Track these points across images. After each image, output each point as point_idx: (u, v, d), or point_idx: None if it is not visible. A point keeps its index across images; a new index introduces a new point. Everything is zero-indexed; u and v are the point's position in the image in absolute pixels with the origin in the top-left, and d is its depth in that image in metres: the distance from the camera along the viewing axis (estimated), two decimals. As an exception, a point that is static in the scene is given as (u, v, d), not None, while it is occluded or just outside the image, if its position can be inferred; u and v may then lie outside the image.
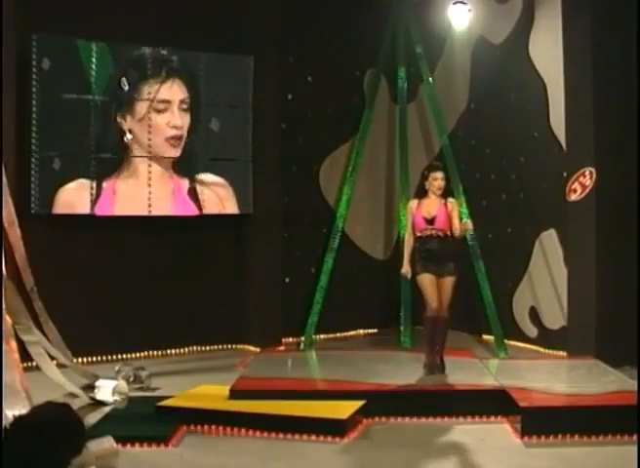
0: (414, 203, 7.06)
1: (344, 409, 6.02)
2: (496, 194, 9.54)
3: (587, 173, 8.03)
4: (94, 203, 8.36)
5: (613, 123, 7.90)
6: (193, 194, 8.90)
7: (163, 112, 8.69)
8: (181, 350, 8.95)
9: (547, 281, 8.81)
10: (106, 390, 6.69)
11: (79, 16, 8.19)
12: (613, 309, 7.84)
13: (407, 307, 9.19)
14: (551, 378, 7.14)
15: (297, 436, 5.78)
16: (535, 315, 9.04)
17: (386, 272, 10.20)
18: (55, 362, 7.09)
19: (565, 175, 8.29)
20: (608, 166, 7.94)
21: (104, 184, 8.43)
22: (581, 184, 8.08)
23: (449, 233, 6.86)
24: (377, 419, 6.19)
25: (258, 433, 5.84)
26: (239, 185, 9.13)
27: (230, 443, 5.74)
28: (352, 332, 9.92)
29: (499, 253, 9.31)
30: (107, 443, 5.12)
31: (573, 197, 8.17)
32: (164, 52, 8.68)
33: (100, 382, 6.82)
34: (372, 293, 10.08)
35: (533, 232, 9.00)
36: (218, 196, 9.04)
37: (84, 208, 8.34)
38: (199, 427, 5.97)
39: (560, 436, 5.66)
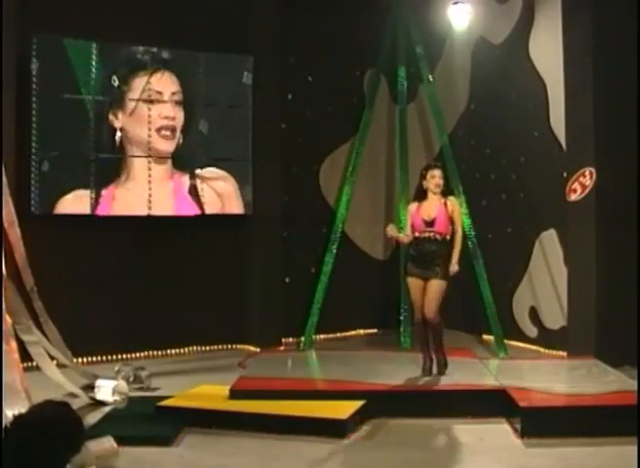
0: (413, 206, 6.96)
1: (344, 409, 6.02)
2: (496, 194, 9.54)
3: (587, 173, 8.03)
4: (93, 208, 8.37)
5: (613, 123, 7.90)
6: (194, 192, 8.90)
7: (154, 103, 8.65)
8: (181, 350, 8.95)
9: (547, 281, 8.81)
10: (106, 390, 6.69)
11: (79, 16, 8.18)
12: (613, 309, 7.84)
13: (407, 307, 9.18)
14: (551, 378, 7.13)
15: (297, 436, 5.77)
16: (535, 315, 9.04)
17: (386, 272, 10.20)
18: (55, 362, 7.09)
19: (565, 175, 8.29)
20: (608, 166, 7.94)
21: (104, 192, 8.42)
22: (581, 184, 8.08)
23: (447, 237, 6.75)
24: (377, 419, 6.18)
25: (258, 433, 5.84)
26: (239, 185, 9.13)
27: (230, 443, 5.74)
28: (352, 332, 9.92)
29: (499, 253, 9.31)
30: (107, 443, 5.12)
31: (573, 197, 8.17)
32: (154, 49, 8.66)
33: (100, 382, 6.82)
34: (372, 293, 10.08)
35: (533, 232, 9.00)
36: (218, 193, 9.03)
37: (83, 207, 8.34)
38: (199, 427, 5.96)
39: (560, 436, 5.66)
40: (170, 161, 8.79)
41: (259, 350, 8.92)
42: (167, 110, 8.72)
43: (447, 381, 6.65)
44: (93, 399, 6.68)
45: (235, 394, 6.43)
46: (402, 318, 9.37)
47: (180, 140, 8.81)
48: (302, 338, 9.23)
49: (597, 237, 7.96)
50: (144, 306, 8.63)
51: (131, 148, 8.59)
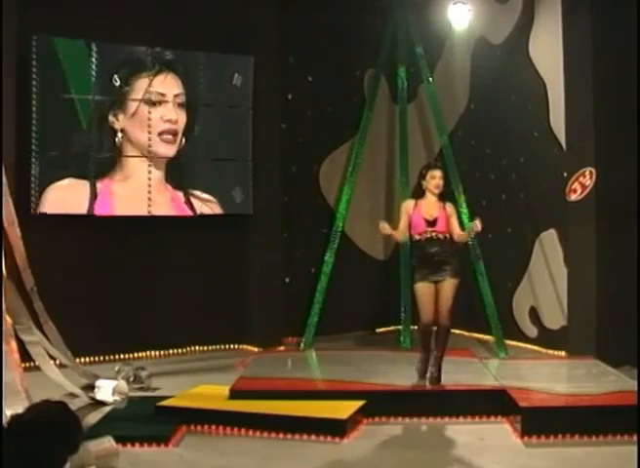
0: (410, 203, 6.79)
1: (344, 409, 6.02)
2: (496, 194, 9.54)
3: (587, 173, 8.03)
4: (92, 203, 8.34)
5: (613, 123, 7.90)
6: (190, 205, 8.90)
7: (156, 106, 8.63)
8: (181, 350, 8.95)
9: (547, 281, 8.81)
10: (106, 390, 6.69)
11: (79, 16, 8.16)
12: (613, 309, 7.84)
13: (407, 307, 9.19)
14: (551, 378, 7.14)
15: (297, 436, 5.77)
16: (535, 315, 9.04)
17: (386, 272, 10.21)
18: (55, 362, 7.10)
19: (565, 175, 8.29)
20: (608, 166, 7.93)
21: (99, 185, 8.38)
22: (581, 184, 8.08)
23: (449, 236, 6.66)
24: (377, 419, 6.19)
25: (258, 433, 5.84)
26: (239, 185, 9.13)
27: (230, 443, 5.74)
28: (352, 333, 9.91)
29: (499, 253, 9.31)
30: (107, 443, 5.12)
31: (573, 197, 8.17)
32: (157, 49, 8.64)
33: (100, 382, 6.82)
34: (372, 293, 10.08)
35: (533, 232, 9.00)
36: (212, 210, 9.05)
37: (81, 208, 8.32)
38: (199, 427, 5.97)
39: (560, 436, 5.66)
40: (165, 168, 8.72)
41: (259, 350, 8.92)
42: (169, 113, 8.69)
43: (447, 381, 6.64)
44: (93, 399, 6.68)
45: (235, 394, 6.43)
46: (402, 318, 9.37)
47: (183, 143, 8.79)
48: (302, 338, 9.23)
49: (597, 237, 7.96)
50: (144, 306, 8.63)
51: (131, 150, 8.55)
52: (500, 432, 5.93)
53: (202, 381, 7.12)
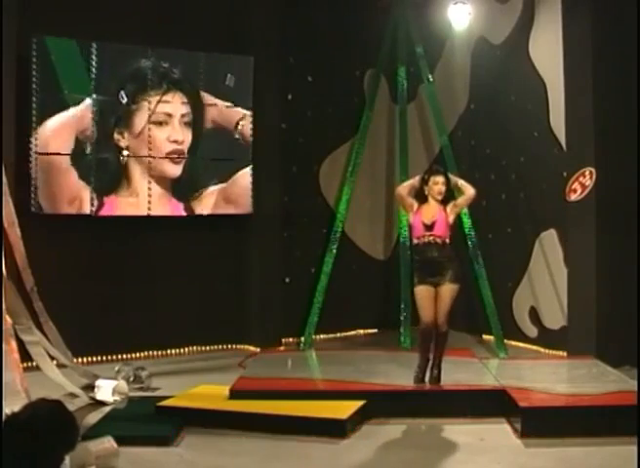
0: (414, 204, 6.72)
1: (344, 409, 6.02)
2: (496, 194, 9.53)
3: (587, 173, 8.03)
4: (96, 211, 8.37)
5: (613, 123, 7.90)
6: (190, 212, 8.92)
7: (163, 126, 8.62)
8: (181, 350, 8.95)
9: (547, 281, 8.81)
10: (106, 390, 6.70)
11: (79, 16, 8.18)
12: (613, 309, 7.84)
13: (407, 307, 9.18)
14: (551, 378, 7.14)
15: (297, 436, 5.77)
16: (535, 315, 9.04)
17: (386, 272, 10.21)
18: (55, 362, 7.10)
19: (565, 175, 8.29)
20: (608, 166, 7.93)
21: (105, 200, 8.40)
22: (581, 184, 8.08)
23: (447, 240, 6.62)
24: (377, 419, 6.18)
25: (258, 433, 5.83)
26: (239, 185, 9.12)
27: (230, 443, 5.74)
28: (352, 332, 9.92)
29: (499, 253, 9.31)
30: (107, 443, 5.12)
31: (573, 197, 8.17)
32: (165, 64, 8.62)
33: (99, 382, 6.83)
34: (372, 293, 10.08)
35: (533, 232, 9.00)
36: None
37: (77, 207, 8.30)
38: (199, 427, 5.96)
39: (560, 436, 5.65)
40: (170, 184, 8.73)
41: (259, 350, 8.92)
42: (176, 133, 8.68)
43: (447, 381, 6.64)
44: (93, 399, 6.68)
45: (235, 394, 6.43)
46: (402, 318, 9.37)
47: (187, 162, 8.77)
48: (302, 338, 9.23)
49: (597, 237, 7.96)
50: (145, 306, 8.63)
51: (134, 168, 8.52)
52: (500, 432, 5.92)
53: (202, 381, 7.12)
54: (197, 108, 8.82)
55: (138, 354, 8.61)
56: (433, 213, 6.64)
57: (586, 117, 8.04)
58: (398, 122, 9.94)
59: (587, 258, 8.01)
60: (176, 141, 8.68)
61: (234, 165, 9.07)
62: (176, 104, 8.70)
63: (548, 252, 8.80)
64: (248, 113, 9.01)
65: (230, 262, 9.23)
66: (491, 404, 6.26)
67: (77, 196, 8.25)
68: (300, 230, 9.57)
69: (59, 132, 8.14)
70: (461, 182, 6.93)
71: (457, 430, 5.98)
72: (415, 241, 6.75)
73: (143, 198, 8.62)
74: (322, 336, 9.51)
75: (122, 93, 8.40)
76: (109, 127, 8.38)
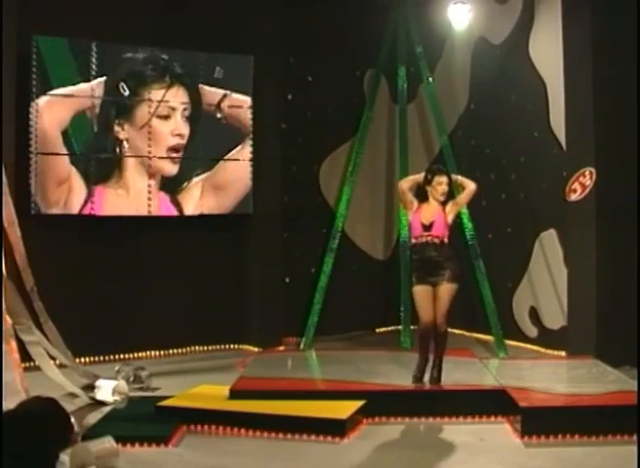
0: (414, 203, 6.71)
1: (344, 409, 6.01)
2: (496, 194, 9.54)
3: (587, 173, 8.03)
4: (85, 204, 8.30)
5: (613, 123, 7.90)
6: (176, 204, 8.87)
7: (166, 119, 8.60)
8: (181, 350, 8.95)
9: (547, 281, 8.81)
10: (106, 390, 6.70)
11: (79, 16, 8.18)
12: (613, 309, 7.84)
13: (407, 307, 9.18)
14: (551, 378, 7.13)
15: (297, 436, 5.77)
16: (535, 315, 9.04)
17: (386, 272, 10.22)
18: (55, 362, 7.09)
19: (565, 175, 8.29)
20: (608, 166, 7.94)
21: (95, 189, 8.35)
22: (581, 184, 8.08)
23: (445, 240, 6.62)
24: (377, 419, 6.18)
25: (258, 433, 5.84)
26: (239, 185, 9.12)
27: (230, 443, 5.74)
28: (352, 332, 9.91)
29: (499, 253, 9.31)
30: (107, 443, 5.12)
31: (573, 197, 8.17)
32: (165, 56, 8.61)
33: (100, 382, 6.83)
34: (372, 293, 10.08)
35: (533, 232, 9.00)
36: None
37: (77, 207, 8.30)
38: (199, 427, 5.96)
39: (560, 436, 5.65)
40: (161, 180, 8.69)
41: (259, 350, 8.92)
42: (179, 127, 8.66)
43: (447, 381, 6.64)
44: (93, 399, 6.68)
45: (235, 394, 6.43)
46: (402, 318, 9.37)
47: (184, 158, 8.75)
48: (302, 338, 9.23)
49: (597, 237, 7.96)
50: (145, 306, 8.64)
51: (132, 160, 8.49)
52: (500, 432, 5.93)
53: (202, 381, 7.12)
54: (196, 103, 8.80)
55: (138, 354, 8.61)
56: (432, 213, 6.63)
57: (586, 117, 8.04)
58: (398, 122, 9.94)
59: (587, 258, 8.01)
60: (179, 135, 8.67)
61: (221, 149, 8.98)
62: (178, 98, 8.69)
63: (548, 252, 8.80)
64: (228, 92, 8.92)
65: (230, 262, 9.23)
66: (491, 404, 6.26)
67: (66, 180, 8.19)
68: (300, 230, 9.56)
69: (57, 108, 8.10)
70: (461, 178, 6.93)
71: (457, 430, 5.98)
72: (413, 241, 6.76)
73: (134, 193, 8.54)
74: (322, 336, 9.50)
75: (123, 85, 8.38)
76: (110, 118, 8.35)
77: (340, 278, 9.45)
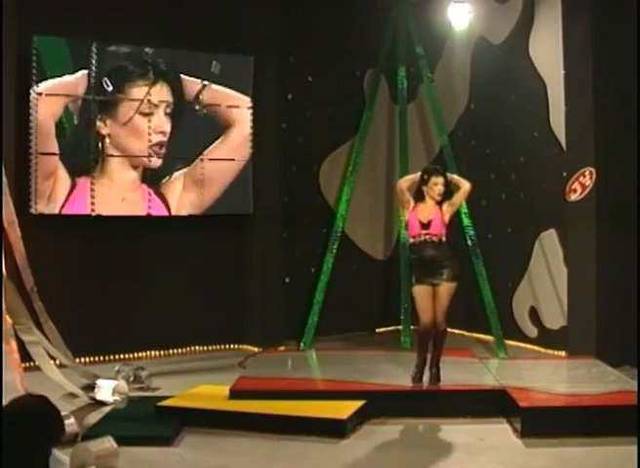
0: (411, 202, 6.72)
1: (344, 409, 6.02)
2: (496, 194, 9.54)
3: (587, 173, 8.03)
4: (66, 200, 8.25)
5: (613, 123, 7.90)
6: (163, 200, 8.83)
7: (149, 116, 8.57)
8: (181, 350, 8.95)
9: (547, 281, 8.81)
10: (106, 390, 6.70)
11: (78, 16, 8.17)
12: (613, 309, 7.84)
13: (407, 307, 9.19)
14: (551, 378, 7.14)
15: (297, 436, 5.77)
16: (535, 315, 9.04)
17: (386, 272, 10.21)
18: (55, 362, 7.09)
19: (565, 175, 8.29)
20: (608, 166, 7.94)
21: (78, 181, 8.29)
22: (581, 184, 8.08)
23: (443, 238, 6.63)
24: (377, 419, 6.18)
25: (258, 433, 5.84)
26: (239, 185, 9.12)
27: (230, 443, 5.74)
28: (352, 332, 9.91)
29: (499, 253, 9.31)
30: (107, 443, 5.12)
31: (573, 197, 8.17)
32: (148, 50, 8.55)
33: (100, 382, 6.83)
34: (372, 293, 10.08)
35: (533, 232, 9.00)
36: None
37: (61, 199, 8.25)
38: (199, 427, 5.96)
39: (560, 436, 5.65)
40: (141, 174, 8.66)
41: (259, 350, 8.92)
42: (162, 124, 8.64)
43: (447, 381, 6.64)
44: (93, 399, 6.68)
45: (235, 394, 6.43)
46: (402, 318, 9.37)
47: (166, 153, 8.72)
48: (302, 338, 9.23)
49: (597, 237, 7.96)
50: (144, 306, 8.63)
51: (115, 157, 8.45)
52: (500, 432, 5.93)
53: (202, 381, 7.12)
54: (179, 99, 8.76)
55: (138, 354, 8.61)
56: (430, 211, 6.65)
57: (586, 117, 8.04)
58: (398, 122, 9.94)
59: (587, 258, 8.01)
60: (162, 133, 8.65)
61: (201, 142, 8.94)
62: (163, 94, 8.67)
63: (548, 252, 8.80)
64: (207, 83, 8.89)
65: (230, 262, 9.22)
66: (491, 404, 6.26)
67: (52, 173, 8.16)
68: (299, 230, 9.56)
69: (50, 95, 8.10)
70: (456, 178, 6.94)
71: (457, 430, 5.98)
72: (411, 240, 6.77)
73: (118, 185, 8.50)
74: (322, 336, 9.50)
75: (106, 80, 8.36)
76: (93, 113, 8.30)
77: (340, 278, 9.45)
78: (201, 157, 8.91)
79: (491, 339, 9.04)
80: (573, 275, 8.27)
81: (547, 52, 8.71)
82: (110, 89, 8.39)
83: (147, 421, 6.11)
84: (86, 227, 8.38)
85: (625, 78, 7.78)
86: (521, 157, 9.22)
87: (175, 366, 8.27)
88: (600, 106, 7.95)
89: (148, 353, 8.70)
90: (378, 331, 10.12)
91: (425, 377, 6.64)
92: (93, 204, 8.37)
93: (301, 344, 9.20)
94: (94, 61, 8.28)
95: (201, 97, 8.86)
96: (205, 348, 9.09)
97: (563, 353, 8.34)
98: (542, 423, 5.77)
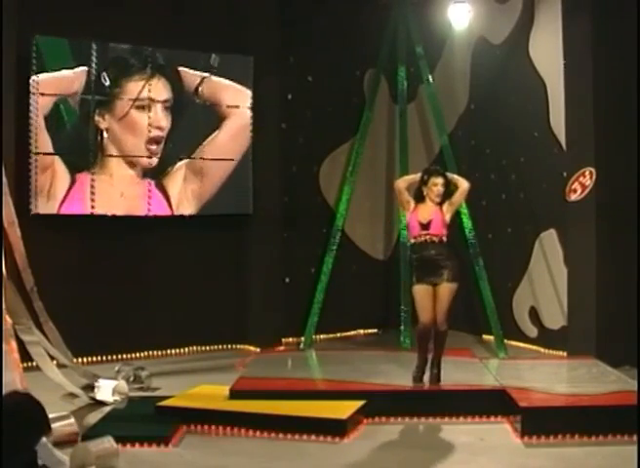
0: (411, 202, 6.73)
1: (344, 409, 6.02)
2: (496, 194, 9.54)
3: (587, 173, 8.03)
4: (64, 198, 8.25)
5: (613, 123, 7.90)
6: (164, 192, 8.83)
7: (146, 111, 8.57)
8: (181, 350, 8.95)
9: (547, 281, 8.81)
10: (106, 390, 6.70)
11: (78, 16, 8.18)
12: (613, 309, 7.84)
13: (407, 307, 9.18)
14: (551, 378, 7.14)
15: (297, 436, 5.78)
16: (535, 315, 9.04)
17: (386, 272, 10.21)
18: (55, 362, 7.09)
19: (565, 175, 8.29)
20: (608, 166, 7.94)
21: (77, 178, 8.30)
22: (581, 184, 8.08)
23: (444, 239, 6.63)
24: (377, 419, 6.19)
25: (258, 433, 5.84)
26: (239, 185, 9.12)
27: (230, 443, 5.75)
28: (352, 332, 9.92)
29: (499, 253, 9.32)
30: (107, 443, 5.12)
31: (573, 197, 8.17)
32: (147, 47, 8.57)
33: (100, 382, 6.83)
34: (372, 293, 10.08)
35: (533, 232, 9.01)
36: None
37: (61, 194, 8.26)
38: (199, 427, 5.97)
39: (560, 436, 5.66)
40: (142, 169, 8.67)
41: (259, 350, 8.92)
42: (159, 119, 8.63)
43: (447, 381, 6.64)
44: (93, 399, 6.69)
45: (235, 394, 6.43)
46: (402, 318, 9.37)
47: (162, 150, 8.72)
48: (302, 338, 9.23)
49: (597, 237, 7.96)
50: (144, 306, 8.63)
51: (113, 151, 8.45)
52: (501, 432, 5.93)
53: (202, 381, 7.12)
54: (178, 94, 8.77)
55: (138, 354, 8.61)
56: (429, 212, 6.65)
57: (586, 117, 8.04)
58: (398, 122, 9.94)
59: (587, 258, 8.01)
60: (159, 128, 8.65)
61: (201, 133, 8.95)
62: (160, 90, 8.67)
63: (548, 252, 8.80)
64: (206, 76, 8.90)
65: (230, 262, 9.23)
66: (491, 404, 6.26)
67: (49, 167, 8.15)
68: (300, 230, 9.56)
69: (50, 94, 8.09)
70: (456, 177, 6.93)
71: (457, 430, 5.98)
72: (411, 240, 6.77)
73: (117, 180, 8.51)
74: (322, 336, 9.51)
75: (104, 75, 8.35)
76: (91, 108, 8.30)
77: (339, 278, 9.45)
78: (201, 147, 8.91)
79: (491, 339, 9.04)
80: (573, 275, 8.27)
81: (547, 52, 8.71)
82: (107, 83, 8.38)
83: (147, 421, 6.10)
84: (86, 227, 8.38)
85: (625, 78, 7.78)
86: (521, 157, 9.22)
87: (175, 366, 8.27)
88: (600, 106, 7.95)
89: (148, 353, 8.70)
90: (378, 331, 10.12)
91: (426, 377, 6.64)
92: (93, 200, 8.38)
93: (301, 344, 9.21)
94: (94, 58, 8.29)
95: (200, 89, 8.85)
96: (205, 348, 9.09)
97: (563, 353, 8.34)
98: (542, 423, 5.76)
